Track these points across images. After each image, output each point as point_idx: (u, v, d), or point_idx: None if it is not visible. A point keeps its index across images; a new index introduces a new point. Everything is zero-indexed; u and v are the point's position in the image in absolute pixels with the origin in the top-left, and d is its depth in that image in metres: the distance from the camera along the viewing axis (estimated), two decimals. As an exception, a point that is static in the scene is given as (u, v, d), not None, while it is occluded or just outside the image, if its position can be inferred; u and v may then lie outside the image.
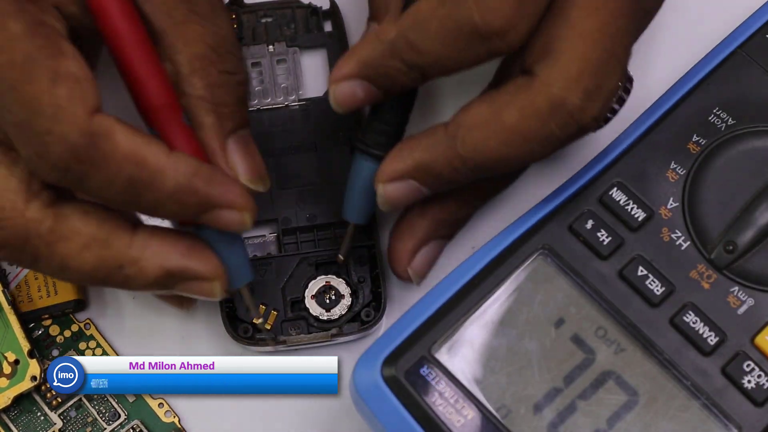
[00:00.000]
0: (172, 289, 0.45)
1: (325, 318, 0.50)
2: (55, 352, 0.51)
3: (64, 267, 0.43)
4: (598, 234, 0.46)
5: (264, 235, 0.52)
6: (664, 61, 0.54)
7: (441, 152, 0.44)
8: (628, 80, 0.47)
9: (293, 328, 0.50)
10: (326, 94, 0.53)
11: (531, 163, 0.44)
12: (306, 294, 0.51)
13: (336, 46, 0.54)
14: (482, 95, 0.45)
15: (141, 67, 0.43)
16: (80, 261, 0.43)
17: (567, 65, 0.42)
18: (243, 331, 0.50)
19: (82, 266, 0.43)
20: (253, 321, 0.49)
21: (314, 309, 0.50)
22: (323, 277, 0.51)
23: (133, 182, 0.42)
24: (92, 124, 0.41)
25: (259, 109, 0.53)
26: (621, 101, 0.47)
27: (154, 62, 0.43)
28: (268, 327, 0.50)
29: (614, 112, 0.47)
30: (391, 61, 0.43)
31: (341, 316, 0.50)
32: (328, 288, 0.51)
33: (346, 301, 0.51)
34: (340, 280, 0.51)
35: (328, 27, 0.55)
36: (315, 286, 0.51)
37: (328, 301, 0.51)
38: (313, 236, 0.52)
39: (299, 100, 0.54)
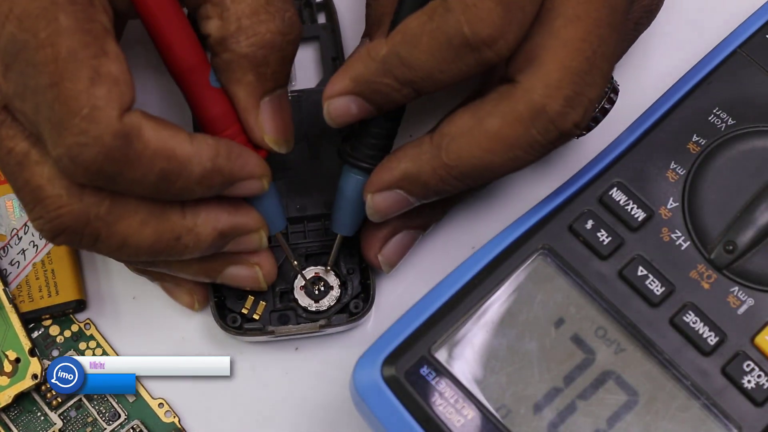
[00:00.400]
0: (223, 248, 0.47)
1: (313, 309, 0.50)
2: (55, 352, 0.51)
3: (123, 244, 0.44)
4: (598, 234, 0.46)
5: (253, 226, 0.52)
6: (663, 61, 0.54)
7: (427, 161, 0.45)
8: (614, 91, 0.47)
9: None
10: (318, 85, 0.54)
11: (516, 170, 0.44)
12: (295, 285, 0.51)
13: (329, 38, 0.55)
14: (466, 104, 0.45)
15: (168, 32, 0.44)
16: (140, 237, 0.44)
17: (548, 73, 0.43)
18: (231, 321, 0.50)
19: (141, 242, 0.44)
20: (294, 264, 0.50)
21: (303, 300, 0.50)
22: (312, 268, 0.51)
23: (164, 175, 0.43)
24: (124, 125, 0.41)
25: (250, 99, 0.54)
26: (604, 111, 0.47)
27: (180, 26, 0.45)
28: (257, 317, 0.50)
29: (597, 121, 0.47)
30: (384, 78, 0.44)
31: (330, 308, 0.50)
32: (317, 279, 0.51)
33: (335, 293, 0.51)
34: (330, 271, 0.51)
35: (321, 19, 0.55)
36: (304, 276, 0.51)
37: (317, 292, 0.51)
38: (303, 227, 0.52)
39: (291, 92, 0.54)
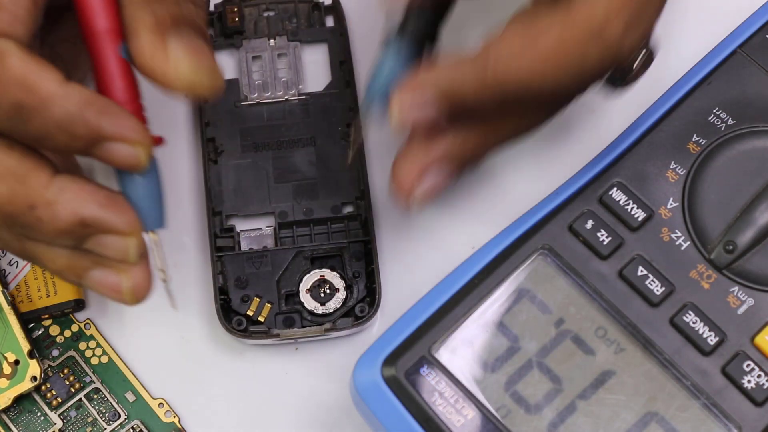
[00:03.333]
0: (85, 243, 0.43)
1: (319, 312, 0.50)
2: (55, 352, 0.51)
3: None
4: (598, 234, 0.46)
5: (260, 229, 0.52)
6: (663, 61, 0.54)
7: (468, 70, 0.43)
8: (650, 56, 0.47)
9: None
10: (326, 88, 0.54)
11: (558, 99, 0.44)
12: (301, 288, 0.51)
13: (337, 41, 0.55)
14: (515, 17, 0.43)
15: None
16: None
17: None
18: (236, 324, 0.50)
19: None
20: (160, 272, 0.45)
21: (309, 303, 0.51)
22: (318, 270, 0.51)
23: (19, 107, 0.40)
24: None
25: (258, 102, 0.54)
26: (645, 67, 0.47)
27: None
28: (262, 320, 0.50)
29: (636, 77, 0.47)
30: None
31: (335, 310, 0.50)
32: (322, 282, 0.51)
33: (341, 295, 0.51)
34: (335, 274, 0.51)
35: (330, 22, 0.55)
36: (309, 279, 0.51)
37: (322, 294, 0.51)
38: (309, 230, 0.52)
39: (299, 95, 0.54)
